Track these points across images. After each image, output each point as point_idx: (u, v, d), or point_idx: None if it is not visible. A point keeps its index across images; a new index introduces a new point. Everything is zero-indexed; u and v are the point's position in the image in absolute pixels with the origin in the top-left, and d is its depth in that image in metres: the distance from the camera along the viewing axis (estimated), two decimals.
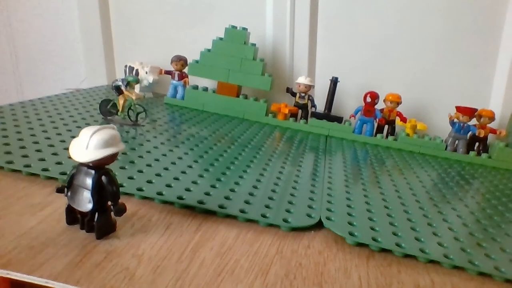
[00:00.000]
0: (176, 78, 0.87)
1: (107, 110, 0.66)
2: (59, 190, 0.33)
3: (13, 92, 1.11)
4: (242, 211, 0.40)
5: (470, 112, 0.78)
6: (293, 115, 0.85)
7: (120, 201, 0.33)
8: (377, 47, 0.90)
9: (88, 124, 0.61)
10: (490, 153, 0.80)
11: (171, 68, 0.88)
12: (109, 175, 0.32)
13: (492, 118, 0.79)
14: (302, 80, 0.83)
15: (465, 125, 0.79)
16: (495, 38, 0.86)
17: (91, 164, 0.32)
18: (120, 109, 0.66)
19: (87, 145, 0.31)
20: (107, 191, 0.32)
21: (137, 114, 0.66)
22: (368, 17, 0.89)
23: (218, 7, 0.93)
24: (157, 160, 0.50)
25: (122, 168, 0.46)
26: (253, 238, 0.37)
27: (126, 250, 0.32)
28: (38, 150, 0.47)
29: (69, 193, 0.33)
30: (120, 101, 0.65)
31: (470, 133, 0.80)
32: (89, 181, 0.32)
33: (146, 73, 0.87)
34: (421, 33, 0.88)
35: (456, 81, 0.89)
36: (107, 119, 0.66)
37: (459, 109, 0.80)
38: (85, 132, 0.31)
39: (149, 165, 0.48)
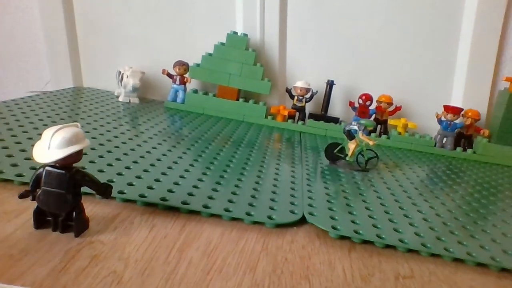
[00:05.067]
0: (178, 82, 0.88)
1: (334, 154, 0.63)
2: (23, 196, 0.32)
3: None
4: (226, 210, 0.40)
5: (457, 111, 0.83)
6: (291, 117, 0.87)
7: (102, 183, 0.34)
8: (349, 49, 0.92)
9: None
10: (474, 148, 0.86)
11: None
12: (80, 172, 0.32)
13: (477, 117, 0.85)
14: (300, 84, 0.86)
15: (452, 123, 0.84)
16: (453, 40, 0.91)
17: (57, 165, 0.31)
18: (350, 154, 0.62)
19: (49, 145, 0.30)
20: (88, 186, 0.33)
21: (368, 159, 0.63)
22: (340, 19, 0.91)
23: (186, 8, 0.92)
24: (135, 162, 0.50)
25: (101, 171, 0.45)
26: (237, 236, 0.37)
27: (111, 254, 0.31)
28: (9, 156, 0.45)
29: (40, 197, 0.32)
30: (351, 146, 0.61)
31: (456, 130, 0.85)
32: (61, 182, 0.31)
33: (127, 77, 0.85)
34: (388, 34, 0.91)
35: (420, 80, 0.93)
36: (333, 163, 0.63)
37: (446, 108, 0.84)
38: (47, 133, 0.31)
39: (128, 168, 0.47)
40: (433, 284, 0.34)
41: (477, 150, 0.85)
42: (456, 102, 0.91)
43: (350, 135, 0.61)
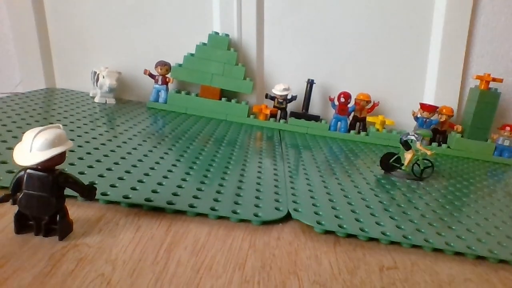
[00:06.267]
0: (160, 82, 0.87)
1: (389, 164, 0.63)
2: (2, 200, 0.31)
3: None
4: (212, 209, 0.40)
5: (432, 109, 0.87)
6: (273, 115, 0.88)
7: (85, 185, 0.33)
8: (326, 49, 0.94)
9: None
10: (448, 143, 0.90)
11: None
12: (63, 174, 0.32)
13: (451, 114, 0.89)
14: (278, 91, 0.86)
15: (428, 120, 0.87)
16: (425, 41, 0.95)
17: (39, 167, 0.30)
18: (406, 164, 0.61)
19: (31, 148, 0.29)
20: (72, 188, 0.32)
21: (423, 169, 0.62)
22: (318, 19, 0.93)
23: (161, 7, 0.91)
24: (117, 163, 0.49)
25: (81, 173, 0.44)
26: (225, 234, 0.38)
27: (98, 256, 0.31)
28: None
29: (22, 201, 0.31)
30: (408, 156, 0.61)
31: (432, 126, 0.88)
32: (44, 185, 0.30)
33: (103, 77, 0.83)
34: (363, 35, 0.93)
35: (395, 79, 0.96)
36: (388, 173, 0.64)
37: (423, 106, 0.87)
38: (28, 135, 0.30)
39: (109, 169, 0.46)
40: (415, 274, 0.36)
41: (451, 145, 0.89)
42: (428, 99, 0.94)
43: (407, 145, 0.62)
